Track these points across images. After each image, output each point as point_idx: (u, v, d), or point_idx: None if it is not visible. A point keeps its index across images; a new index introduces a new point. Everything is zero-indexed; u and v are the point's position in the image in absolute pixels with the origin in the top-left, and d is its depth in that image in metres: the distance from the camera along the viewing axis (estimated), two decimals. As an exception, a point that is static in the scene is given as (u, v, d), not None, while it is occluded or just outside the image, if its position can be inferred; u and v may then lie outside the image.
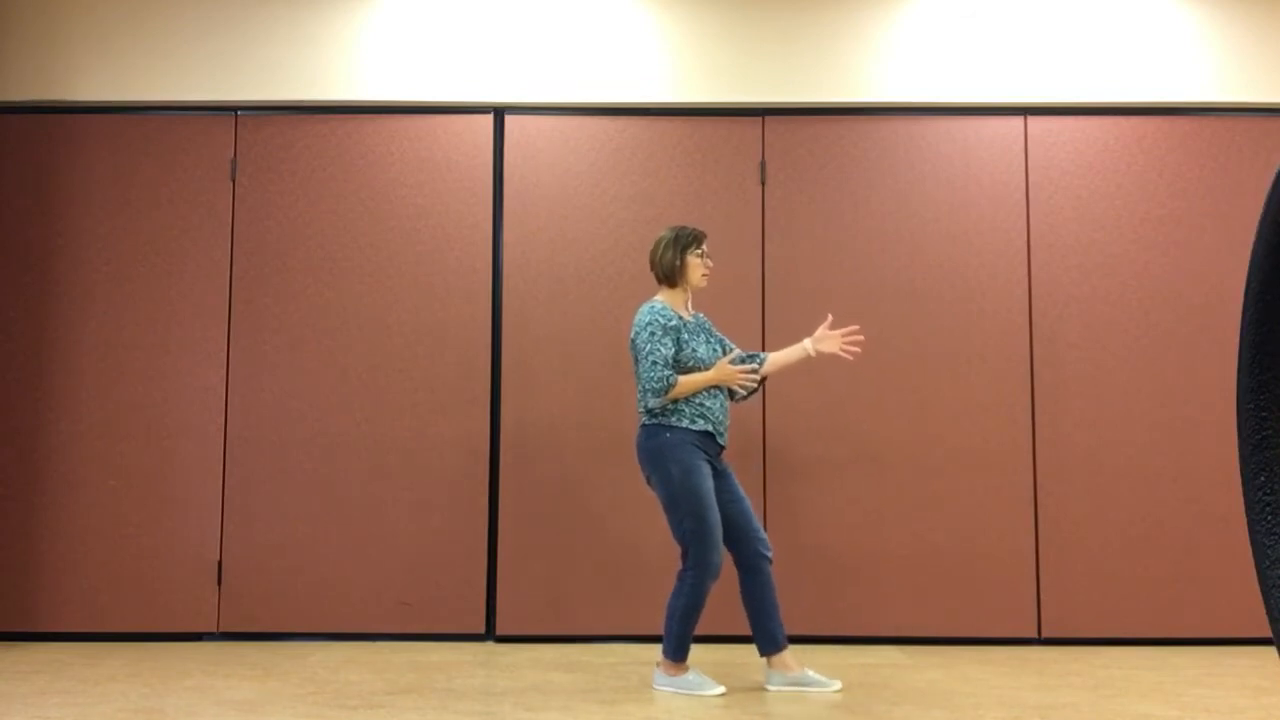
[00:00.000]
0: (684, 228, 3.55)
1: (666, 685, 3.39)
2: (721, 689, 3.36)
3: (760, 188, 4.66)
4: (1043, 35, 4.68)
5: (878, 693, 3.36)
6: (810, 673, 3.43)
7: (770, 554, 3.46)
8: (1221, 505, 4.50)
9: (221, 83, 4.66)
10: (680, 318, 3.47)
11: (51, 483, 4.53)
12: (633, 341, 3.47)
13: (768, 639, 3.44)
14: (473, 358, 4.59)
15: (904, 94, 4.66)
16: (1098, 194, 4.64)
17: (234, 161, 4.67)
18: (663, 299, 3.53)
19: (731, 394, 3.58)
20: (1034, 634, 4.45)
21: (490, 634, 4.52)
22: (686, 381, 3.38)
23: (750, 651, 4.23)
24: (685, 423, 3.40)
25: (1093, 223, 4.63)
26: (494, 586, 4.51)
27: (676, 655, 3.38)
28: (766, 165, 4.66)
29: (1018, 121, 4.68)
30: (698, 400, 3.43)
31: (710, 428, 3.43)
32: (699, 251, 3.53)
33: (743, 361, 3.60)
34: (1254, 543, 1.34)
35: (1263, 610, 4.46)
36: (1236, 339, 4.60)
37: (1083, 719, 2.97)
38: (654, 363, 3.36)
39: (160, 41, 4.68)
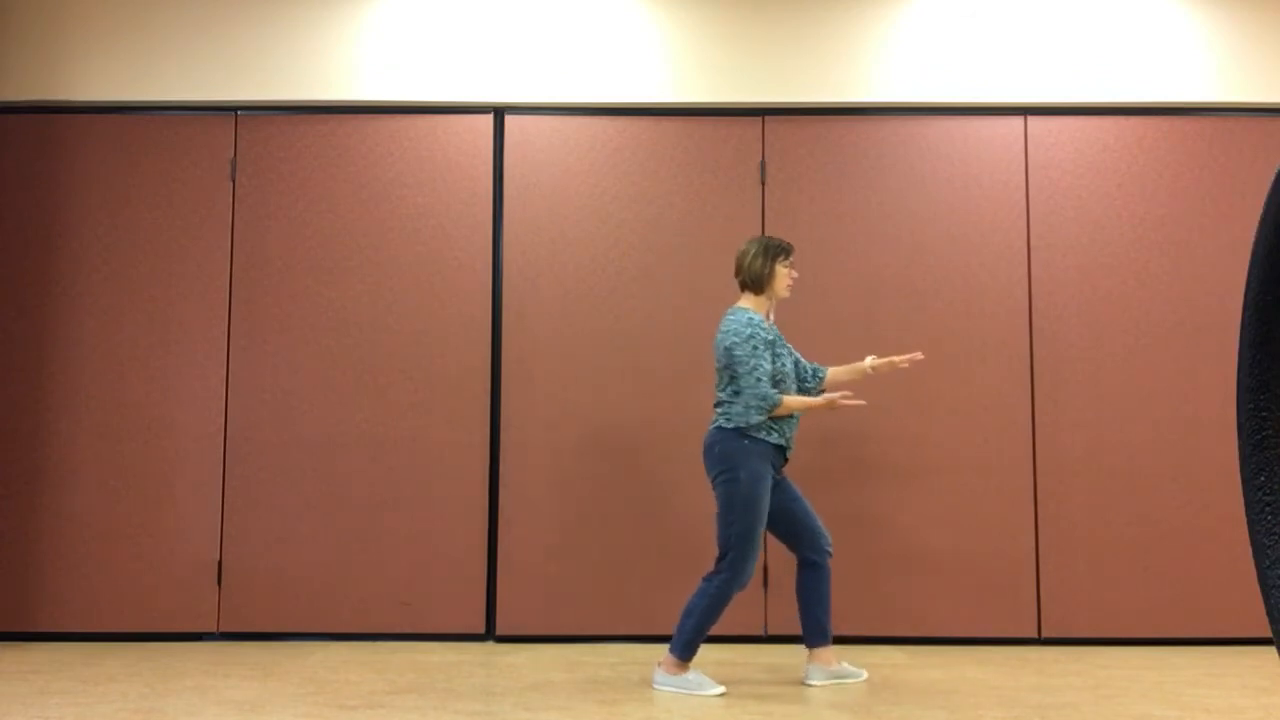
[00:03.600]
0: (772, 238, 3.60)
1: (667, 685, 3.40)
2: (721, 689, 3.36)
3: (760, 188, 4.66)
4: (1043, 35, 4.68)
5: (878, 693, 3.36)
6: (845, 665, 3.59)
7: (831, 550, 3.56)
8: (1221, 505, 4.50)
9: (221, 83, 4.66)
10: (771, 330, 3.52)
11: (51, 483, 4.53)
12: (729, 350, 3.45)
13: (819, 632, 3.53)
14: (473, 358, 4.59)
15: (904, 94, 4.66)
16: (1098, 194, 4.64)
17: (234, 161, 4.67)
18: (749, 307, 3.56)
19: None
20: (1034, 634, 4.45)
21: (490, 634, 4.52)
22: (790, 401, 3.43)
23: (750, 652, 4.23)
24: (763, 434, 3.44)
25: (1093, 223, 4.63)
26: (494, 586, 4.51)
27: (684, 655, 3.39)
28: (766, 165, 4.66)
29: (1018, 121, 4.68)
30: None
31: (784, 441, 3.50)
32: (788, 262, 3.59)
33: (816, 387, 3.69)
34: (1254, 543, 1.34)
35: (1263, 610, 4.46)
36: (1236, 339, 4.60)
37: (1083, 719, 2.97)
38: (758, 379, 3.40)
39: (160, 41, 4.68)
